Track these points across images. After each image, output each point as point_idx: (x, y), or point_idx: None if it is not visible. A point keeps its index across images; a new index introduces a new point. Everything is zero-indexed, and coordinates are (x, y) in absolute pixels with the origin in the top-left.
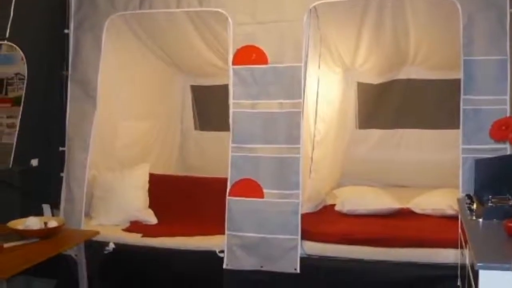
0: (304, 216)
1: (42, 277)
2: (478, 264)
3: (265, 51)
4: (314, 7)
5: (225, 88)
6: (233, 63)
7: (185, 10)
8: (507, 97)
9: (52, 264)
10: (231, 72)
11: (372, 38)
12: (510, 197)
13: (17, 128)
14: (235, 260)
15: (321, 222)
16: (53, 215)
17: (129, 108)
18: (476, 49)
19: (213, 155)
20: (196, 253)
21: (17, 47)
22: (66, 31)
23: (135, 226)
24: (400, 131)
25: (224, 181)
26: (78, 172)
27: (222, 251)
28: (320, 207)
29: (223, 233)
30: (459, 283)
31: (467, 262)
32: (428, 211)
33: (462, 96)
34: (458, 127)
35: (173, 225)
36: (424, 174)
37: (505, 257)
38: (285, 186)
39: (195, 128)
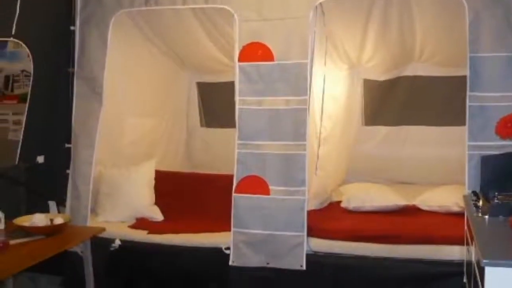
0: (310, 213)
1: (48, 274)
2: (484, 261)
3: (271, 48)
4: (320, 3)
5: (231, 85)
6: (239, 60)
7: (191, 7)
8: None
9: (58, 261)
10: (237, 69)
11: (378, 35)
12: None
13: (23, 125)
14: (241, 256)
15: (327, 219)
16: (59, 212)
17: (135, 105)
18: (482, 46)
19: (219, 152)
20: (202, 250)
21: (23, 44)
22: (72, 28)
23: (141, 223)
24: (406, 128)
25: (230, 177)
26: (84, 168)
27: (228, 248)
28: (326, 204)
29: (229, 230)
30: (465, 280)
31: (473, 259)
32: (434, 208)
33: (468, 93)
34: (464, 124)
35: (179, 222)
36: (430, 171)
37: (511, 253)
38: (291, 183)
39: (201, 125)
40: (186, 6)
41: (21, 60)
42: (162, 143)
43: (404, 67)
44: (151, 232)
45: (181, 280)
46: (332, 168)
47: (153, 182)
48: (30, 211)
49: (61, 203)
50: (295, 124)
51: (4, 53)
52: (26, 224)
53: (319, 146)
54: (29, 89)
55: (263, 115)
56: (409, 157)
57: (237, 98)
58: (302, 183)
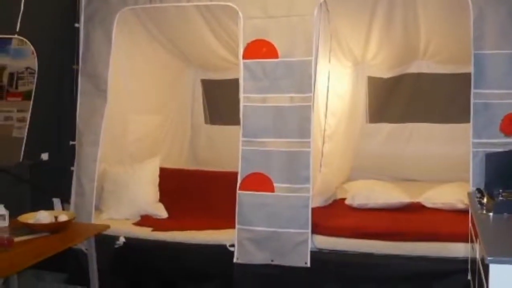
0: (315, 210)
1: (53, 271)
2: (489, 258)
3: (275, 45)
4: (325, 1)
5: (235, 82)
6: (244, 57)
7: (195, 4)
8: None
9: (62, 258)
10: (241, 66)
11: (382, 32)
12: None
13: (28, 122)
14: (246, 254)
15: (331, 216)
16: (63, 209)
17: (140, 102)
18: (486, 43)
19: (224, 149)
20: (206, 247)
21: (28, 41)
22: (76, 25)
23: (146, 220)
24: (410, 125)
25: (234, 175)
26: (88, 166)
27: (233, 245)
28: (331, 201)
29: (234, 227)
30: (469, 277)
31: (478, 256)
32: (438, 205)
33: (472, 90)
34: (468, 121)
35: (184, 219)
36: (434, 168)
37: None
38: (296, 180)
39: (206, 122)
40: (190, 4)
41: (26, 57)
42: (167, 141)
43: (409, 65)
44: (155, 229)
45: (185, 277)
46: (337, 166)
47: (157, 179)
48: (35, 208)
49: (65, 200)
50: (300, 121)
51: (8, 50)
52: (31, 221)
53: (323, 143)
54: (34, 86)
55: (267, 112)
56: (413, 154)
57: (241, 95)
58: (307, 180)
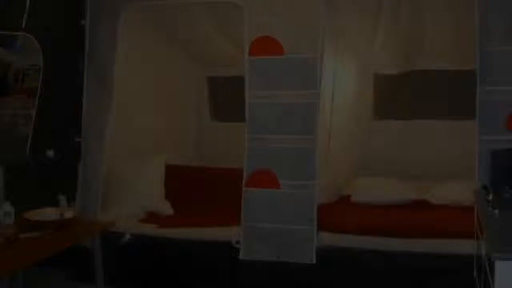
0: (320, 207)
1: (58, 268)
2: (495, 255)
3: (281, 42)
4: None
5: (241, 79)
6: (249, 54)
7: (200, 2)
8: None
9: (68, 255)
10: (247, 63)
11: (388, 29)
12: None
13: (33, 119)
14: (251, 250)
15: (337, 213)
16: (69, 206)
17: (146, 99)
18: (492, 40)
19: (229, 146)
20: (212, 243)
21: (33, 38)
22: (82, 22)
23: (151, 217)
24: (416, 122)
25: (240, 171)
26: (94, 163)
27: (238, 242)
28: (336, 198)
29: (239, 224)
30: (475, 273)
31: (484, 252)
32: (444, 201)
33: (478, 87)
34: (474, 118)
35: (189, 215)
36: (440, 165)
37: None
38: (301, 177)
39: (211, 119)
40: (196, 0)
41: (31, 54)
42: (173, 138)
43: (415, 61)
44: (161, 226)
45: (190, 274)
46: (342, 162)
47: (163, 176)
48: (40, 205)
49: (71, 197)
50: (305, 118)
51: (14, 47)
52: (36, 218)
53: (329, 140)
54: (39, 83)
55: (273, 109)
56: (419, 151)
57: (247, 92)
58: (312, 177)
